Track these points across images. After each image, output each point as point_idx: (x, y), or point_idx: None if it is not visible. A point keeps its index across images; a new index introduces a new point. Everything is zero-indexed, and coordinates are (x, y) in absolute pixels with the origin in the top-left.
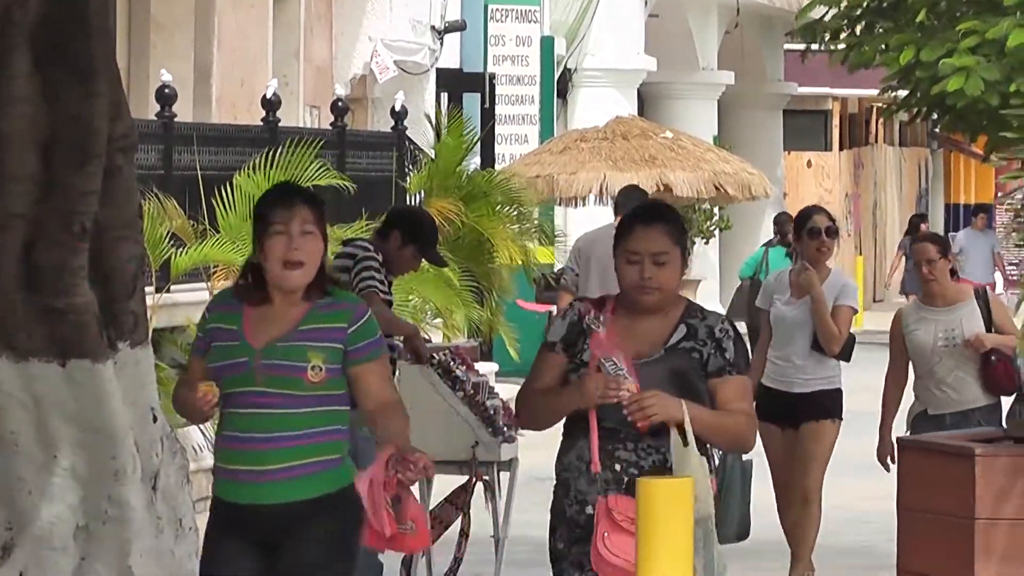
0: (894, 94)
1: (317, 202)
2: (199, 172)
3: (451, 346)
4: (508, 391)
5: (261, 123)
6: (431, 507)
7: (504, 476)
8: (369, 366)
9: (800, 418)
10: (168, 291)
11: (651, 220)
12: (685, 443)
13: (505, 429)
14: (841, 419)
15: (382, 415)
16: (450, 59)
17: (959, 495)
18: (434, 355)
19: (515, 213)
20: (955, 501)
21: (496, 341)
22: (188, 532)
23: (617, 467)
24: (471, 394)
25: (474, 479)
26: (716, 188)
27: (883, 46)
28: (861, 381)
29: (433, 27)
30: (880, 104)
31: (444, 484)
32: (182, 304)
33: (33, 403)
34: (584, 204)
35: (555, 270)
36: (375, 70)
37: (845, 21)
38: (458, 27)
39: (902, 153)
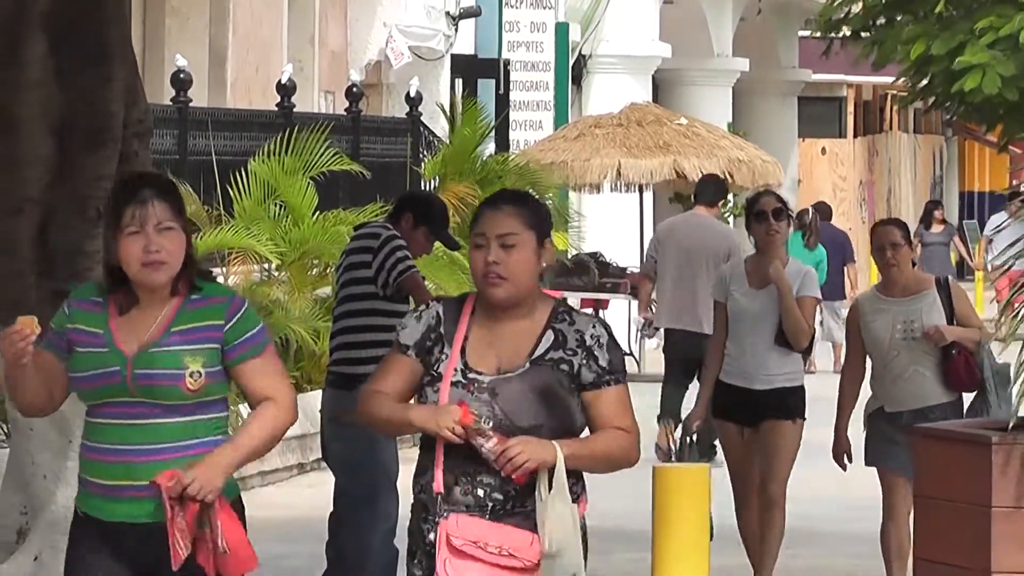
0: (909, 83)
1: (173, 193)
2: (214, 157)
3: None
4: None
5: (276, 108)
6: None
7: None
8: (251, 364)
9: (760, 417)
10: None
11: (499, 202)
12: (550, 488)
13: None
14: (804, 419)
15: (250, 420)
16: (465, 45)
17: (976, 483)
18: None
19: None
20: (972, 489)
21: None
22: None
23: (480, 492)
24: None
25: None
26: (730, 175)
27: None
28: None
29: (448, 13)
30: (895, 92)
31: None
32: None
33: None
34: (599, 191)
35: (569, 256)
36: (390, 56)
37: (869, 20)
38: (473, 13)
39: (917, 140)
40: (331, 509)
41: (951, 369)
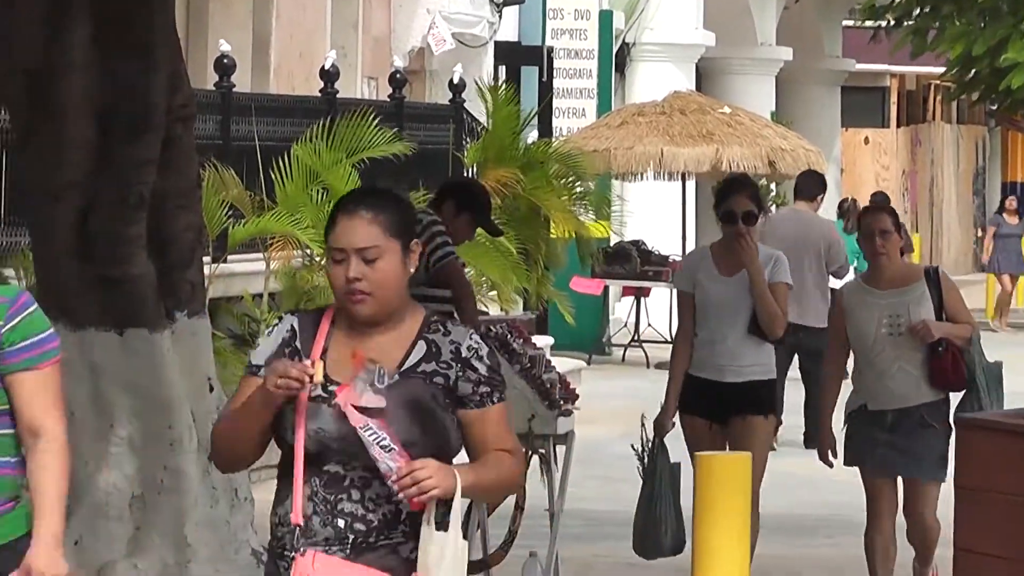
0: (954, 71)
1: None
2: (257, 143)
3: (507, 319)
4: (564, 364)
5: (319, 94)
6: None
7: (560, 450)
8: (27, 376)
9: (731, 412)
10: (225, 261)
11: (355, 208)
12: (439, 519)
13: (561, 402)
14: (776, 413)
15: (42, 476)
16: (508, 32)
17: (1018, 474)
18: (491, 328)
19: (571, 185)
20: (1014, 480)
21: (552, 315)
22: (243, 502)
23: (340, 523)
24: (527, 367)
25: (530, 452)
26: (773, 164)
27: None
28: None
29: (492, 0)
30: (938, 82)
31: None
32: (239, 274)
33: (89, 372)
34: (641, 179)
35: (611, 244)
36: (432, 42)
37: (912, 8)
38: (517, 0)
39: (959, 130)
40: None
41: (938, 367)
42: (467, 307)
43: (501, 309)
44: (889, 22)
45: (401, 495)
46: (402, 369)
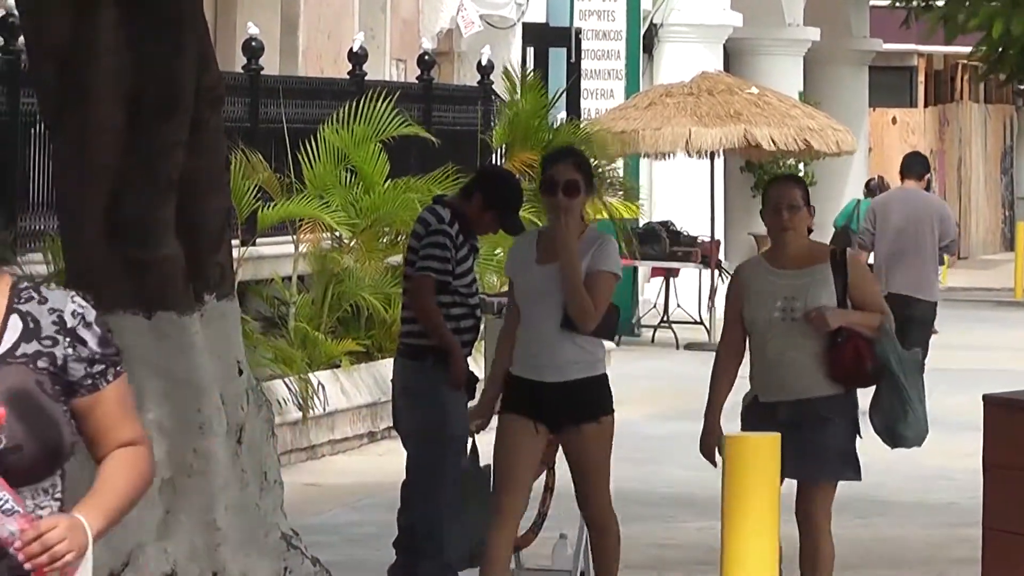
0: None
1: None
2: (285, 125)
3: None
4: None
5: (347, 76)
6: None
7: None
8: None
9: (559, 418)
10: (254, 244)
11: None
12: None
13: None
14: (612, 412)
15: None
16: (536, 14)
17: None
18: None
19: (599, 167)
20: None
21: None
22: (273, 485)
23: None
24: None
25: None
26: (802, 144)
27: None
28: (962, 338)
29: None
30: (965, 62)
31: None
32: (268, 257)
33: None
34: (670, 158)
35: (640, 224)
36: (460, 24)
37: None
38: None
39: (987, 110)
40: (403, 478)
41: (835, 359)
42: (426, 325)
43: None
44: (918, 3)
45: (28, 565)
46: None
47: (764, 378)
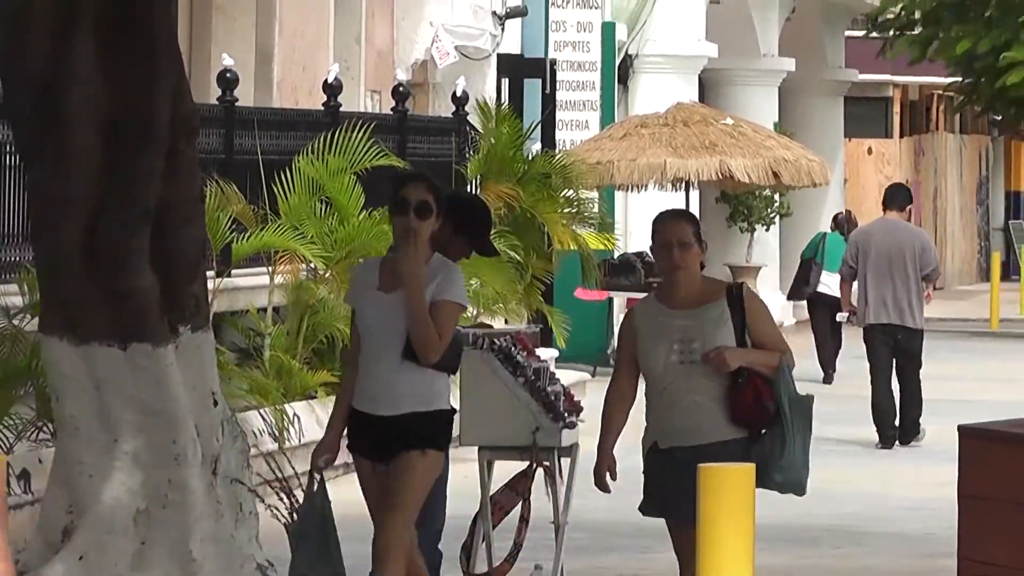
0: (957, 82)
1: None
2: (260, 156)
3: (512, 331)
4: (568, 377)
5: (322, 107)
6: (492, 493)
7: (565, 462)
8: None
9: (391, 451)
10: (229, 276)
11: None
12: None
13: (566, 415)
14: (441, 449)
15: None
16: (511, 45)
17: (1022, 482)
18: (495, 340)
19: (572, 197)
20: (1018, 488)
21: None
22: (248, 516)
23: None
24: (532, 380)
25: (535, 465)
26: (776, 175)
27: (940, 36)
28: (938, 369)
29: (494, 13)
30: (941, 92)
31: (505, 470)
32: (243, 288)
33: (94, 387)
34: (644, 190)
35: (614, 256)
36: (435, 55)
37: (913, 15)
38: (519, 13)
39: (963, 140)
40: None
41: (736, 401)
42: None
43: (505, 321)
44: (893, 33)
45: None
46: None
47: (662, 424)
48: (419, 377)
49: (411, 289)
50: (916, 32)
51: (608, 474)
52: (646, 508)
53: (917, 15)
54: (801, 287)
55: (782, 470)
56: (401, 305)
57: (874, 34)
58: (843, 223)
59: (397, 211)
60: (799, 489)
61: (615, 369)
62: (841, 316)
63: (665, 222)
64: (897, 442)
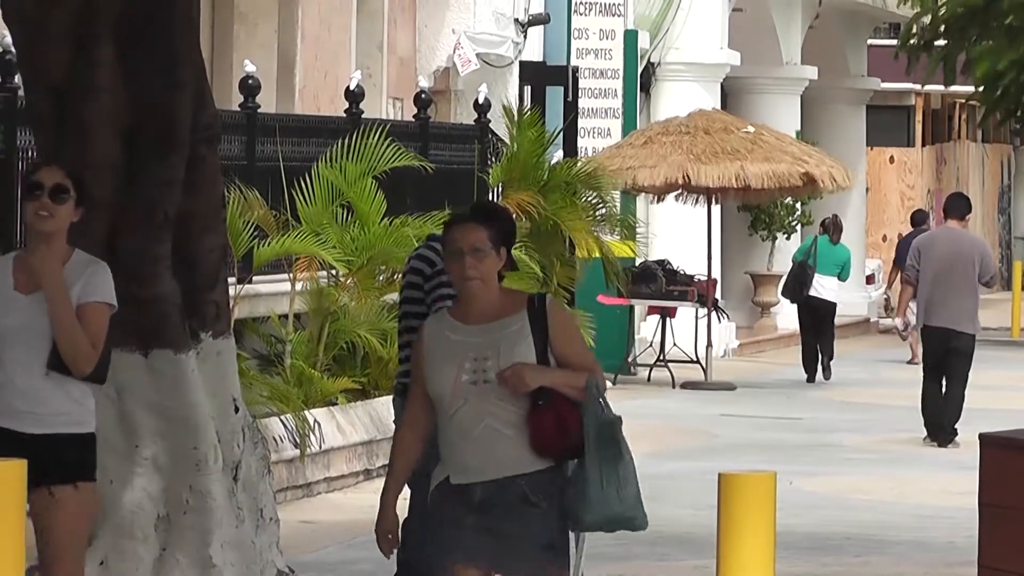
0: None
1: None
2: (282, 163)
3: None
4: None
5: (344, 115)
6: None
7: None
8: None
9: (35, 477)
10: (250, 282)
11: None
12: None
13: None
14: (92, 480)
15: None
16: (534, 52)
17: None
18: None
19: (595, 203)
20: None
21: None
22: (269, 522)
23: None
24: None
25: None
26: (797, 183)
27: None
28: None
29: (517, 20)
30: (963, 101)
31: None
32: (264, 295)
33: (115, 393)
34: (663, 201)
35: (637, 263)
36: (457, 63)
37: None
38: (542, 20)
39: (985, 149)
40: (404, 516)
41: (536, 427)
42: None
43: None
44: (917, 42)
45: None
46: None
47: (456, 456)
48: (68, 392)
49: (52, 292)
50: (941, 45)
51: (390, 535)
52: (431, 551)
53: (942, 29)
54: (798, 290)
55: (591, 508)
56: (41, 307)
57: (901, 52)
58: (830, 227)
59: (29, 195)
60: (629, 524)
61: (409, 395)
62: (898, 322)
63: (455, 227)
64: (936, 441)
